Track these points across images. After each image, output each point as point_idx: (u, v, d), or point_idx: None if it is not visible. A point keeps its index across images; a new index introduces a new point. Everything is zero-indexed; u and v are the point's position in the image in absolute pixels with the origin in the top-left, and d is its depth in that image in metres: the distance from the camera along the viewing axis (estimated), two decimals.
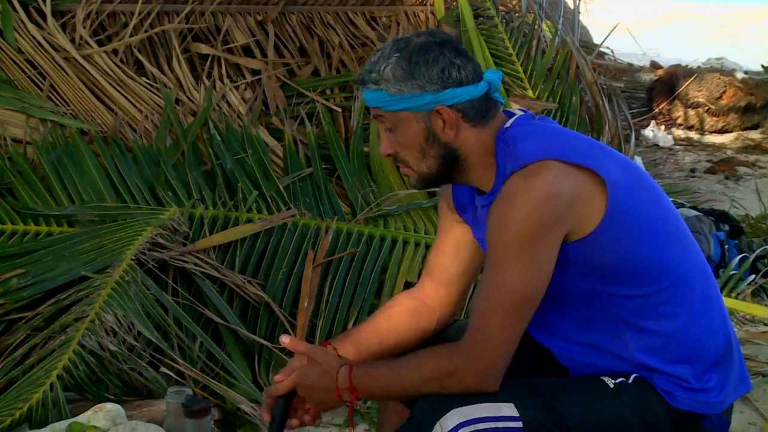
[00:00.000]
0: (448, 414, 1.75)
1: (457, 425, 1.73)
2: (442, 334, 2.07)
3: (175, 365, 3.07)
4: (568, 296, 1.84)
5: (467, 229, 2.00)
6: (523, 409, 1.76)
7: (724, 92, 7.55)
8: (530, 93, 5.30)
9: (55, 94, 4.21)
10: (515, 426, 1.75)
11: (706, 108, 7.55)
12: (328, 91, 4.88)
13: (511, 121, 1.85)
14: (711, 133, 7.55)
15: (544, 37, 5.71)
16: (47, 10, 4.33)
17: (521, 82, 5.35)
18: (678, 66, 8.41)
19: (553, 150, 1.76)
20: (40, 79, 4.22)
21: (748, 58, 8.77)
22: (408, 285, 3.51)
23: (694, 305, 1.85)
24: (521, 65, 5.42)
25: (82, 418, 2.42)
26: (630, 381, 1.84)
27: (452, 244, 2.04)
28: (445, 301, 2.07)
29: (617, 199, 1.75)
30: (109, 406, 2.49)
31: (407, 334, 2.04)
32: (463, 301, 2.11)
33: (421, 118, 1.82)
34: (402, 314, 2.06)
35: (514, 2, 6.03)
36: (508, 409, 1.76)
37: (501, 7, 5.80)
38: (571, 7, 7.03)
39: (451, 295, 2.06)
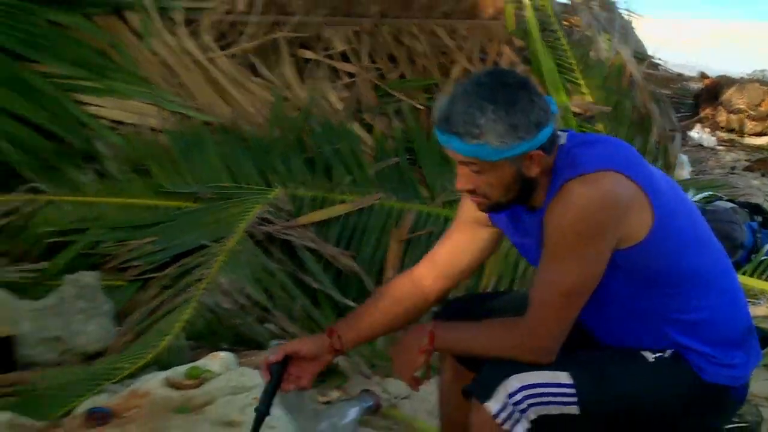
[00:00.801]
0: (511, 377, 1.73)
1: (520, 388, 1.72)
2: (499, 301, 2.02)
3: (279, 323, 3.12)
4: (611, 296, 1.79)
5: (489, 233, 1.93)
6: (576, 377, 1.74)
7: (764, 100, 7.38)
8: (589, 98, 5.23)
9: (183, 90, 4.29)
10: (569, 392, 1.74)
11: (747, 113, 7.36)
12: (413, 92, 4.88)
13: (564, 138, 1.77)
14: (750, 135, 7.38)
15: (601, 48, 5.62)
16: (179, 19, 4.42)
17: (580, 88, 5.29)
18: (723, 76, 8.19)
19: (610, 161, 1.70)
20: (171, 77, 4.30)
21: None
22: None
23: (721, 296, 1.82)
24: (581, 73, 5.35)
25: (200, 363, 2.44)
26: (667, 355, 1.81)
27: (469, 242, 1.95)
28: (440, 290, 1.98)
29: (662, 212, 1.71)
30: (223, 354, 2.50)
31: (401, 321, 1.98)
32: (455, 288, 2.01)
33: (514, 161, 1.68)
34: (396, 304, 1.97)
35: (576, 18, 5.93)
36: (564, 377, 1.74)
37: (564, 22, 5.73)
38: (627, 21, 6.88)
39: (447, 286, 1.99)
